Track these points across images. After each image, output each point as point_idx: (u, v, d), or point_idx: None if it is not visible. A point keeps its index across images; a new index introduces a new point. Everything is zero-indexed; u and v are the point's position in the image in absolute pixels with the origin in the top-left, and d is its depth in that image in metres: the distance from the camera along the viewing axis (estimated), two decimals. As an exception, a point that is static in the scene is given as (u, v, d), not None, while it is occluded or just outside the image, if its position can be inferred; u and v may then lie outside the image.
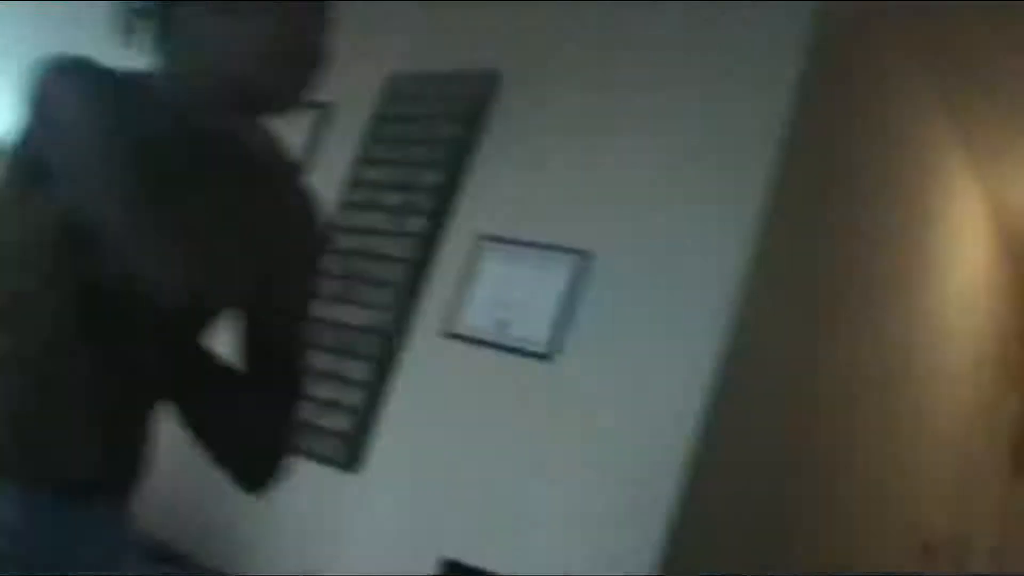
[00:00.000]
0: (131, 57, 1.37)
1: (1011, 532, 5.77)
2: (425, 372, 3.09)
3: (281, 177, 1.46)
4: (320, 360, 3.18)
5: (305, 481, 3.11)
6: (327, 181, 3.33)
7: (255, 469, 1.44)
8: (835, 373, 3.41)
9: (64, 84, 1.23)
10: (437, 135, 3.34)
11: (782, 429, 3.14)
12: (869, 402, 3.71)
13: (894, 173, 3.65)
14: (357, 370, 3.17)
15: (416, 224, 3.25)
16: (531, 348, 2.93)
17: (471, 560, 2.78)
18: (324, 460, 3.12)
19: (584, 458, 2.78)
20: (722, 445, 2.74)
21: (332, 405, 3.17)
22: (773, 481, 3.13)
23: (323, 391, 3.18)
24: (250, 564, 3.13)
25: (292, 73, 1.32)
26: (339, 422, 3.14)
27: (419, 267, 3.20)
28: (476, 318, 3.04)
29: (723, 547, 2.89)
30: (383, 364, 3.14)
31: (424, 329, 3.13)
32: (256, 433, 1.43)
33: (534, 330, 2.94)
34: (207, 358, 1.44)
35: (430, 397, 3.06)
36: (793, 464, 3.24)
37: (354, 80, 3.47)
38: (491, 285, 3.05)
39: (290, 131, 1.56)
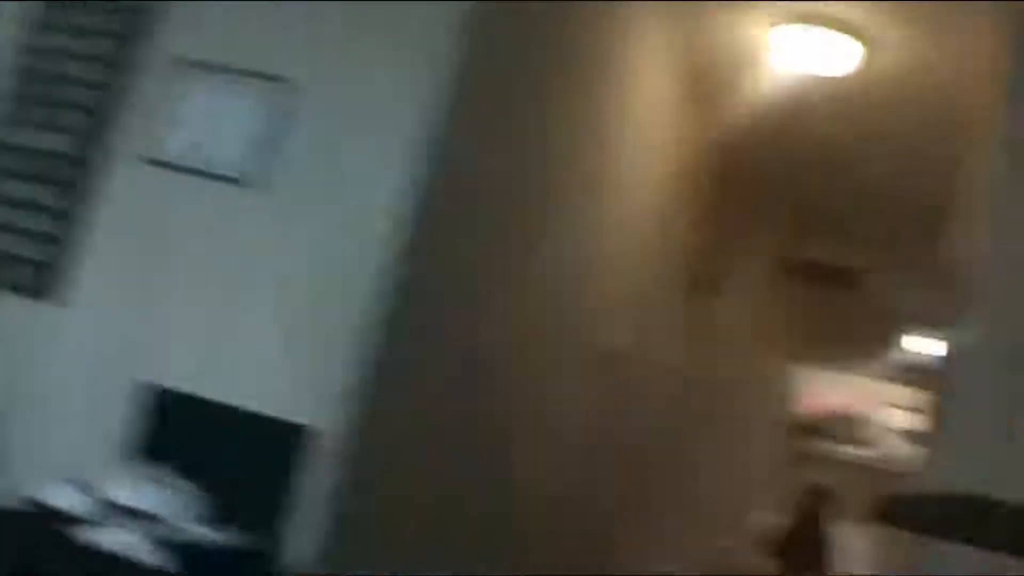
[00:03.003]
0: None
1: (689, 345, 6.26)
2: (125, 199, 3.05)
3: None
4: (9, 187, 3.09)
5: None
6: (10, -2, 3.16)
7: None
8: (528, 197, 3.59)
9: None
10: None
11: (478, 252, 3.30)
12: (554, 219, 3.92)
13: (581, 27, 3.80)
14: (48, 196, 3.09)
15: (107, 46, 3.14)
16: (229, 174, 2.94)
17: (172, 385, 2.83)
18: (16, 289, 3.05)
19: (284, 283, 2.85)
20: (420, 269, 2.88)
21: (23, 233, 3.08)
22: (466, 303, 3.30)
23: (13, 218, 3.09)
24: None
25: None
26: (30, 250, 3.07)
27: (112, 91, 3.11)
28: (175, 144, 3.01)
29: (415, 366, 3.04)
30: (76, 190, 3.07)
31: (123, 156, 3.06)
32: None
33: (232, 156, 2.95)
34: None
35: (130, 224, 3.02)
36: (482, 291, 3.41)
37: None
38: (190, 111, 3.02)
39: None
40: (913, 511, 2.57)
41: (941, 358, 3.38)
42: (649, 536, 6.46)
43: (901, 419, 8.48)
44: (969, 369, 2.77)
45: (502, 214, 3.44)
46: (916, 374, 8.28)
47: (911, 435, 8.49)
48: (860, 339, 8.57)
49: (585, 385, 4.63)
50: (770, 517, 8.00)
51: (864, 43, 4.47)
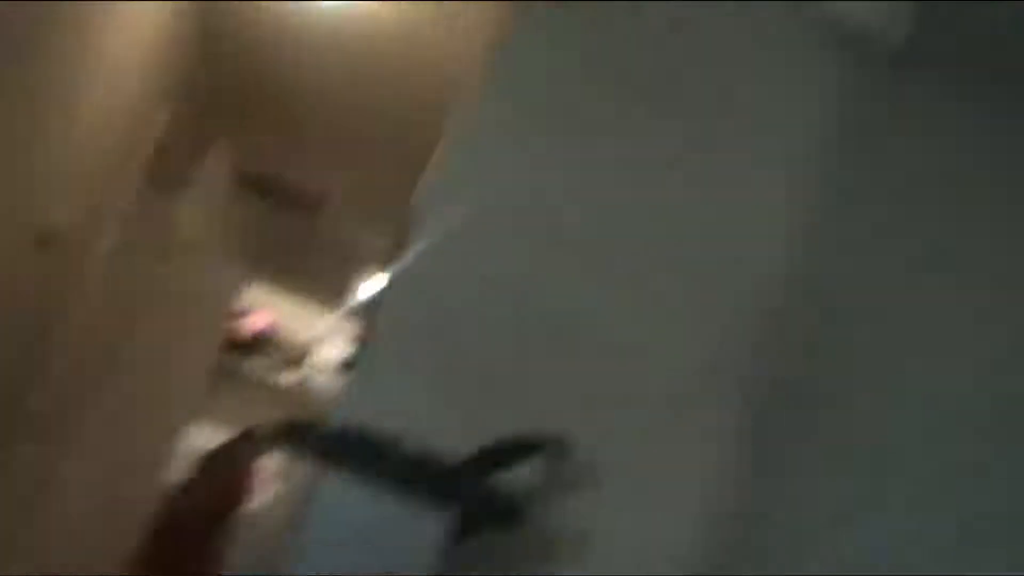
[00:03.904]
0: None
1: (140, 241, 6.05)
2: None
3: None
4: None
5: None
6: None
7: None
8: None
9: None
10: None
11: None
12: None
13: None
14: None
15: None
16: None
17: None
18: None
19: None
20: None
21: None
22: None
23: None
24: None
25: None
26: None
27: None
28: None
29: None
30: None
31: None
32: None
33: None
34: None
35: None
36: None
37: None
38: None
39: None
40: (303, 438, 2.59)
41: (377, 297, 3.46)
42: (64, 433, 6.17)
43: (342, 351, 8.69)
44: (387, 311, 2.82)
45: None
46: (367, 309, 8.52)
47: (346, 368, 8.74)
48: (318, 267, 8.69)
49: (21, 265, 4.32)
50: (198, 436, 7.92)
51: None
